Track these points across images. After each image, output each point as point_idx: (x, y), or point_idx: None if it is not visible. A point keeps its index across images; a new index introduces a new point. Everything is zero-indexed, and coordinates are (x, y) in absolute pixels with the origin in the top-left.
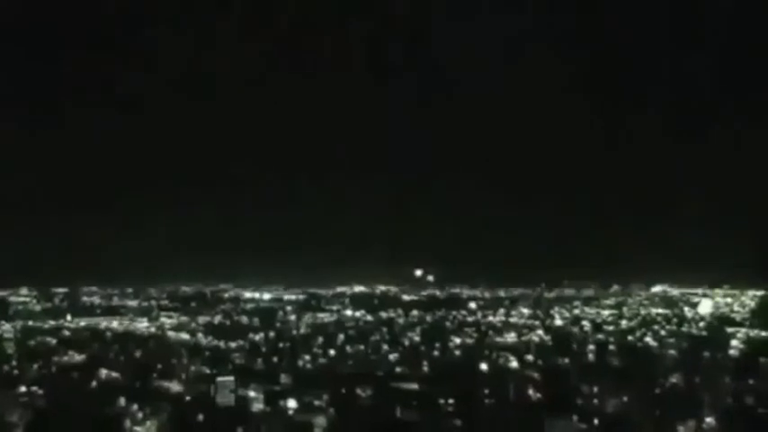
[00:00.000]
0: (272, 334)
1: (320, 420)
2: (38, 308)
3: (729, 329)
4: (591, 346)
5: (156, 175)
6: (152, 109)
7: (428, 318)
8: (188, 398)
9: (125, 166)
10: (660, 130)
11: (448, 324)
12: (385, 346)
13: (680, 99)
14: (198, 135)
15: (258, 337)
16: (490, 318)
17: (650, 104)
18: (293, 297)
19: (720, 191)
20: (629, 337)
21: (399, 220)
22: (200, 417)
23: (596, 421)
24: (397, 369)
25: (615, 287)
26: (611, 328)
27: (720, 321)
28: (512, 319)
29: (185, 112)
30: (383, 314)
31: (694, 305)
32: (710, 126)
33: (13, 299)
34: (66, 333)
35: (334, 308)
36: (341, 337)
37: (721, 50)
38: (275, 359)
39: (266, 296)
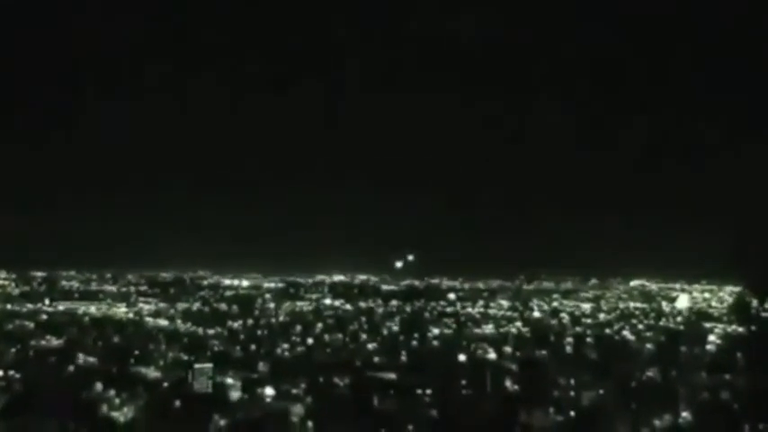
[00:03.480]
0: (250, 321)
1: (297, 408)
2: (16, 292)
3: (706, 324)
4: (569, 339)
5: (138, 163)
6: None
7: (407, 308)
8: (165, 384)
9: (105, 154)
10: (645, 129)
11: (426, 315)
12: (363, 336)
13: (665, 100)
14: (182, 129)
15: (237, 324)
16: (469, 309)
17: (634, 106)
18: (272, 285)
19: (700, 187)
20: (607, 331)
21: (380, 210)
22: (178, 403)
23: (572, 413)
24: (376, 359)
25: (594, 281)
26: (589, 321)
27: (698, 316)
28: (490, 311)
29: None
30: (362, 304)
31: (672, 300)
32: (693, 127)
33: None
34: (44, 317)
35: (314, 296)
36: (319, 325)
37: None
38: (253, 347)
39: (245, 283)
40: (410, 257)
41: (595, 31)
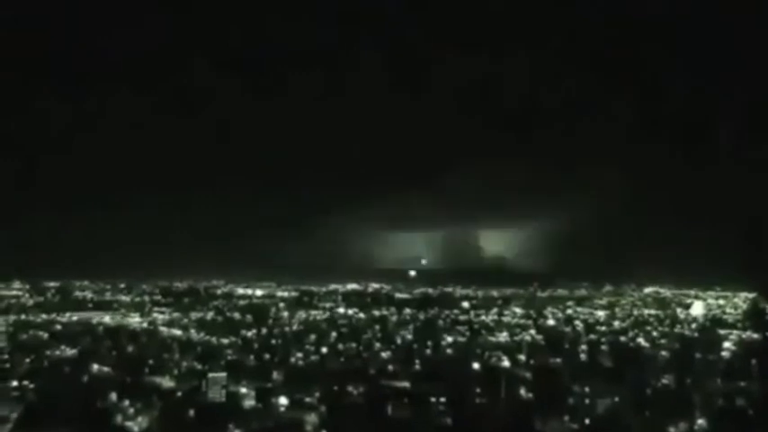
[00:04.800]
0: (264, 331)
1: (311, 418)
2: (30, 302)
3: (721, 331)
4: (583, 347)
5: (149, 173)
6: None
7: (421, 316)
8: (179, 393)
9: (118, 163)
10: (654, 136)
11: (440, 323)
12: (377, 344)
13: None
14: (194, 136)
15: (250, 333)
16: (483, 317)
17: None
18: (286, 294)
19: (714, 192)
20: (622, 338)
21: (393, 217)
22: (192, 412)
23: (587, 421)
24: (390, 367)
25: (608, 288)
26: (603, 328)
27: (712, 323)
28: (504, 319)
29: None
30: (376, 312)
31: (687, 306)
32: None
33: (5, 292)
34: (59, 327)
35: (327, 305)
36: (333, 334)
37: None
38: (267, 356)
39: (259, 293)
40: (423, 261)
41: (596, 37)
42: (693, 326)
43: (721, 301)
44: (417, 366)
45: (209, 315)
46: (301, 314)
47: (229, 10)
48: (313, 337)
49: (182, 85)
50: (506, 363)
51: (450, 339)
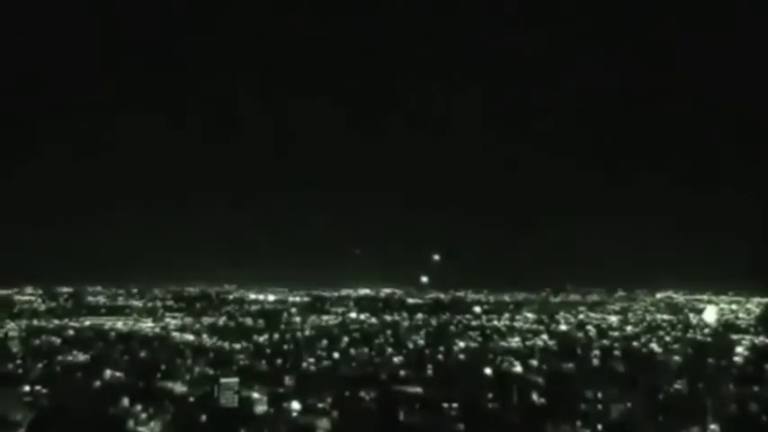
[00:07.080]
0: (276, 336)
1: (323, 423)
2: (42, 307)
3: (734, 336)
4: (595, 352)
5: (162, 177)
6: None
7: (433, 321)
8: (192, 399)
9: (131, 167)
10: (669, 145)
11: (452, 328)
12: (389, 349)
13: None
14: (206, 143)
15: (262, 338)
16: (495, 322)
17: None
18: (298, 299)
19: (727, 196)
20: (634, 343)
21: (405, 222)
22: (204, 418)
23: (600, 427)
24: (402, 372)
25: (620, 293)
26: (616, 333)
27: (725, 328)
28: (516, 324)
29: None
30: (388, 317)
31: (699, 311)
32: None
33: (17, 298)
34: (71, 332)
35: (339, 310)
36: (345, 339)
37: None
38: (279, 361)
39: (271, 298)
40: (435, 257)
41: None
42: (706, 331)
43: (734, 306)
44: (429, 372)
45: (222, 320)
46: (313, 319)
47: None
48: (325, 342)
49: (193, 94)
50: (519, 368)
51: (462, 344)
